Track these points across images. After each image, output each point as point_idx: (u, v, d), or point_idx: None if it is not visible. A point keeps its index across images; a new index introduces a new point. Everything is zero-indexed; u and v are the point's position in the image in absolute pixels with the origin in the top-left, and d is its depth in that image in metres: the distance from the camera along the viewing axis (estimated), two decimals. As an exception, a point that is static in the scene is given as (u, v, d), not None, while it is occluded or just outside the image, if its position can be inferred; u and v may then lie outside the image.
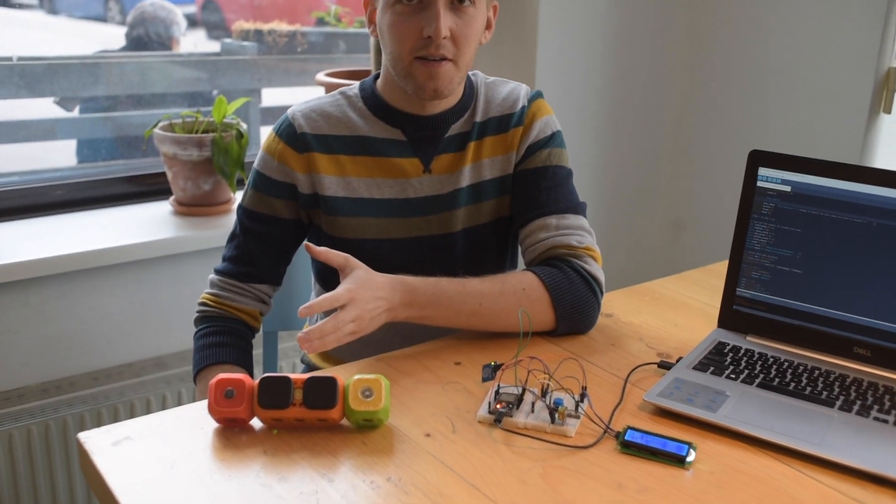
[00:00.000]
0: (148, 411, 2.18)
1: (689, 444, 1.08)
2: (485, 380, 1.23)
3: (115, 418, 2.13)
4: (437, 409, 1.17)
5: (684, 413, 1.15)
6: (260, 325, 1.49)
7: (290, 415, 1.09)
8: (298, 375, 1.11)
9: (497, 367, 1.22)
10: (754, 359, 1.30)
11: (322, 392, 1.09)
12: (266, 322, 1.75)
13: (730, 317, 1.40)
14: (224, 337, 1.42)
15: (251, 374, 1.43)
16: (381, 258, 1.44)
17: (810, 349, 1.33)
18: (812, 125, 2.49)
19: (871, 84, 2.34)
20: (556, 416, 1.13)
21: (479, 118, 1.48)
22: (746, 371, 1.26)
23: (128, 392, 2.15)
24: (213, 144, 2.18)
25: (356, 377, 1.10)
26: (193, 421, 1.13)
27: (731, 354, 1.31)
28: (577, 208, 1.46)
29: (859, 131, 2.38)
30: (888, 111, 2.36)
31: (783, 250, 1.34)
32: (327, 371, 1.28)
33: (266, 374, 1.11)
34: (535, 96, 1.52)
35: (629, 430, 1.10)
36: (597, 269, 1.41)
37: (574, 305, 1.37)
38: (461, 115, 1.46)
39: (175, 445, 1.08)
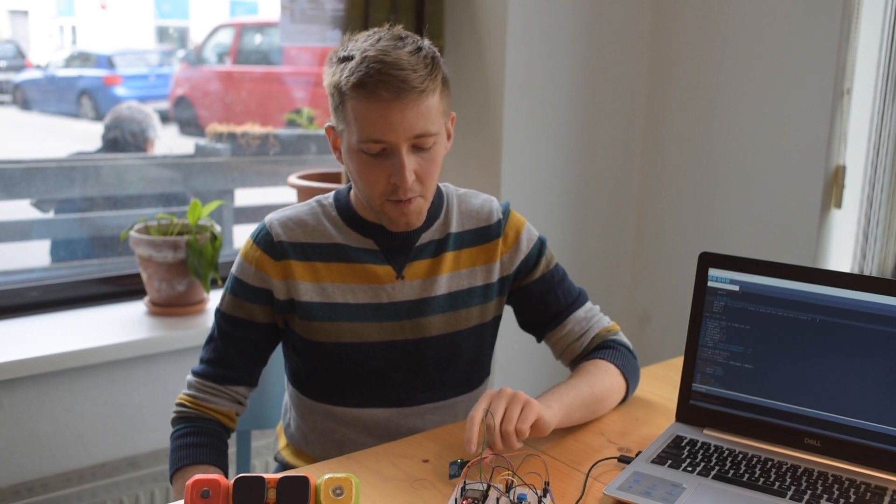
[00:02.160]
0: (120, 512, 2.19)
1: (648, 537, 1.13)
2: (452, 477, 1.27)
3: (88, 520, 2.14)
4: (407, 507, 1.21)
5: (643, 506, 1.20)
6: (236, 425, 1.53)
7: (264, 514, 1.13)
8: (272, 475, 1.15)
9: (463, 464, 1.26)
10: (710, 451, 1.36)
11: (294, 491, 1.13)
12: (240, 421, 1.78)
13: (687, 411, 1.46)
14: (201, 438, 1.45)
15: (227, 475, 1.46)
16: (356, 361, 1.49)
17: (764, 441, 1.39)
18: (767, 222, 2.59)
19: (822, 181, 2.45)
20: (521, 511, 1.17)
21: (454, 229, 1.53)
22: (703, 463, 1.32)
23: (101, 493, 2.16)
24: (187, 247, 2.24)
25: (327, 476, 1.14)
26: (169, 522, 1.16)
27: (688, 448, 1.37)
28: (583, 293, 1.63)
29: (812, 226, 2.48)
30: (838, 206, 2.47)
31: (735, 346, 1.41)
32: (300, 470, 1.32)
33: (240, 475, 1.14)
34: (508, 208, 1.58)
35: (591, 524, 1.15)
36: (625, 337, 1.63)
37: (634, 372, 1.59)
38: (431, 223, 1.52)
39: (152, 547, 1.11)
